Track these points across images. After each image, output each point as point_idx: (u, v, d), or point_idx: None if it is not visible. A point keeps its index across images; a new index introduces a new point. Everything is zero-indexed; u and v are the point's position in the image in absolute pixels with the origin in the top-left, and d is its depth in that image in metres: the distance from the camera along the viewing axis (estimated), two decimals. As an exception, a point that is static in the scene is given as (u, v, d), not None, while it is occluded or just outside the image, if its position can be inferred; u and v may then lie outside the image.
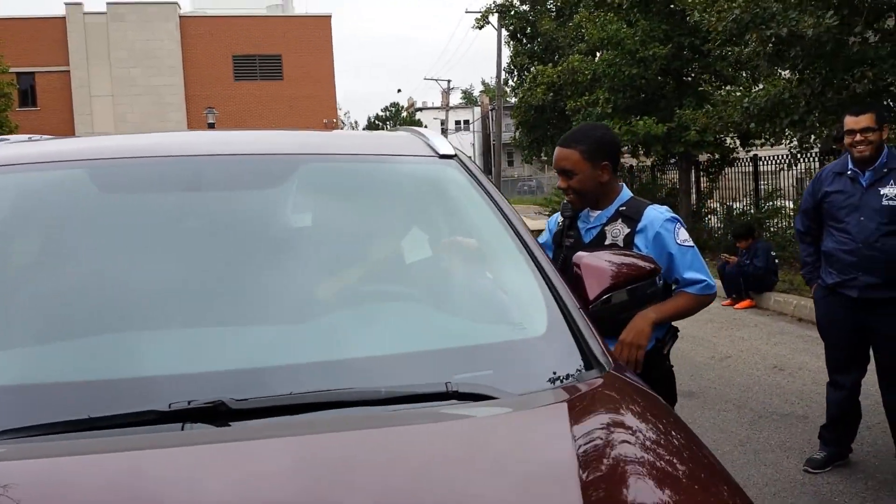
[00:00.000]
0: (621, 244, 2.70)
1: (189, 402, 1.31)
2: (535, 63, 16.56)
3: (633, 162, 16.37)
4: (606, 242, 2.73)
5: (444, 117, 54.73)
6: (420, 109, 62.44)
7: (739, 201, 13.69)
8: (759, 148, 12.68)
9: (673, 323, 2.78)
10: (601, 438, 1.31)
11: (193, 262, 1.76)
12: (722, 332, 8.03)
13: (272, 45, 39.70)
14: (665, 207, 2.78)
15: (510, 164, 54.88)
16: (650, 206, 2.76)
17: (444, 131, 53.12)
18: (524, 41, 17.63)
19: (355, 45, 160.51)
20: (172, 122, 37.79)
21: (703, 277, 2.69)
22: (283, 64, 40.05)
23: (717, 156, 13.42)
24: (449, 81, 52.53)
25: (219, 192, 1.95)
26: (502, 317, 1.81)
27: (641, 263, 2.04)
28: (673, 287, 2.77)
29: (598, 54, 13.12)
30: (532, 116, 16.15)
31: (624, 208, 2.76)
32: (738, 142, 12.67)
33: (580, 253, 2.09)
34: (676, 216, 2.76)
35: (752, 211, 12.88)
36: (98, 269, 1.72)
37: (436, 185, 2.13)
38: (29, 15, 38.24)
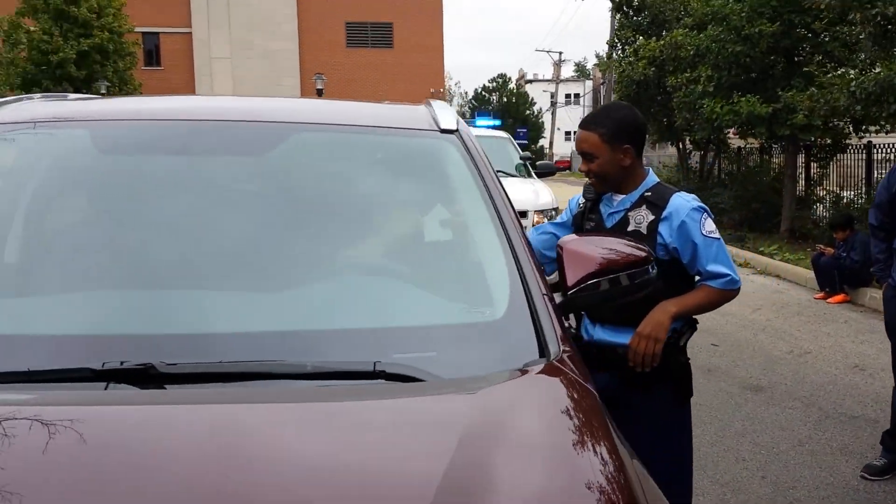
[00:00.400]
0: (644, 231, 2.58)
1: (122, 363, 1.34)
2: (640, 37, 16.01)
3: (741, 144, 15.69)
4: (629, 229, 2.61)
5: (553, 90, 53.92)
6: (530, 82, 61.76)
7: (850, 190, 12.92)
8: (874, 134, 11.89)
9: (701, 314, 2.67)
10: (493, 431, 1.25)
11: (159, 225, 1.80)
12: (807, 327, 7.66)
13: (385, 12, 40.02)
14: (692, 196, 2.65)
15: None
16: (676, 194, 2.63)
17: (554, 104, 52.31)
18: (630, 14, 17.07)
19: (468, 15, 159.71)
20: (287, 87, 38.76)
21: (726, 271, 2.57)
22: (394, 32, 40.32)
23: (828, 141, 12.69)
24: (560, 54, 51.79)
25: (200, 157, 1.97)
26: (462, 298, 1.77)
27: (630, 250, 1.94)
28: (696, 279, 2.65)
29: (704, 29, 12.54)
30: (633, 91, 15.66)
31: (649, 194, 2.64)
32: (850, 127, 11.92)
33: (565, 237, 2.01)
34: (703, 206, 2.63)
35: (861, 201, 12.14)
36: (62, 226, 1.79)
37: (427, 160, 2.10)
38: (156, -22, 39.80)
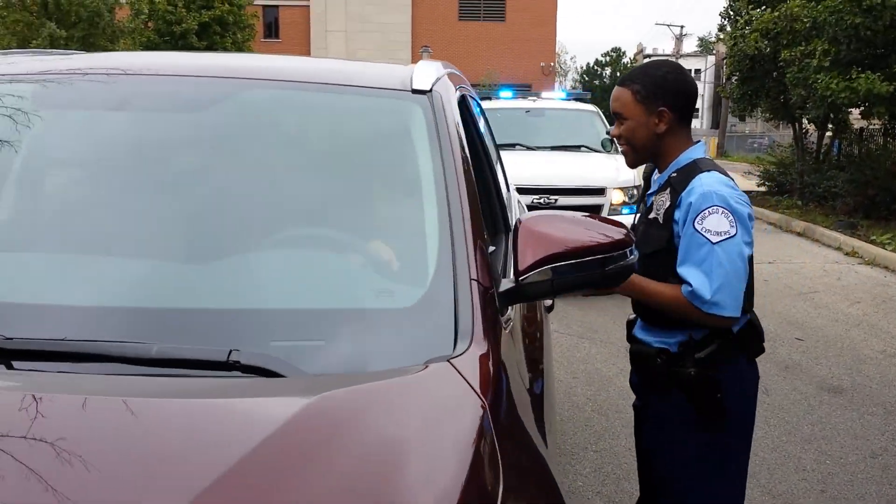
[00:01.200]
0: (661, 221, 2.22)
1: None
2: (753, 7, 15.01)
3: (864, 124, 14.57)
4: (650, 216, 2.28)
5: (672, 66, 51.65)
6: (648, 56, 59.79)
7: None
8: None
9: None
10: (286, 447, 1.04)
11: (69, 183, 1.72)
12: (911, 325, 6.98)
13: (498, -16, 39.61)
14: (718, 179, 2.15)
15: (741, 119, 51.14)
16: (703, 174, 2.17)
17: (671, 81, 50.16)
18: (746, -17, 16.07)
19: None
20: (399, 60, 38.98)
21: (694, 281, 2.10)
22: (507, 5, 39.87)
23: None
24: (682, 27, 49.64)
25: (133, 113, 1.86)
26: (376, 280, 1.60)
27: (603, 230, 1.67)
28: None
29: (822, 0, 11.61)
30: (746, 66, 14.75)
31: (675, 175, 2.23)
32: None
33: (526, 214, 1.77)
34: (724, 195, 2.11)
35: None
36: None
37: (383, 123, 1.93)
38: (276, -49, 40.71)
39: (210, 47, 28.95)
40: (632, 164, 2.40)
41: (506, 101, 9.98)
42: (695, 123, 61.57)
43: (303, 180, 1.79)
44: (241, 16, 30.05)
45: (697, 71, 59.73)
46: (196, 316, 1.41)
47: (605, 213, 7.60)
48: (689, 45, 61.03)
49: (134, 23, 25.22)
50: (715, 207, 2.09)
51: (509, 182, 3.98)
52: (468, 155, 1.85)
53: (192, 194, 1.71)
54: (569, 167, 8.15)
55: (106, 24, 23.78)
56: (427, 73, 1.99)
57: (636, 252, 1.73)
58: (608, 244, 1.63)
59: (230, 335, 1.36)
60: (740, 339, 2.24)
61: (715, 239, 2.08)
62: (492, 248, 1.73)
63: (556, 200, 7.58)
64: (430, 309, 1.45)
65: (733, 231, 2.08)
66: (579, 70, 54.43)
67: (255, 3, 32.10)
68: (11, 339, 1.26)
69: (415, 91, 1.89)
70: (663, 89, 2.23)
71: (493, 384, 1.36)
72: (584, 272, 1.60)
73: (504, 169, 3.69)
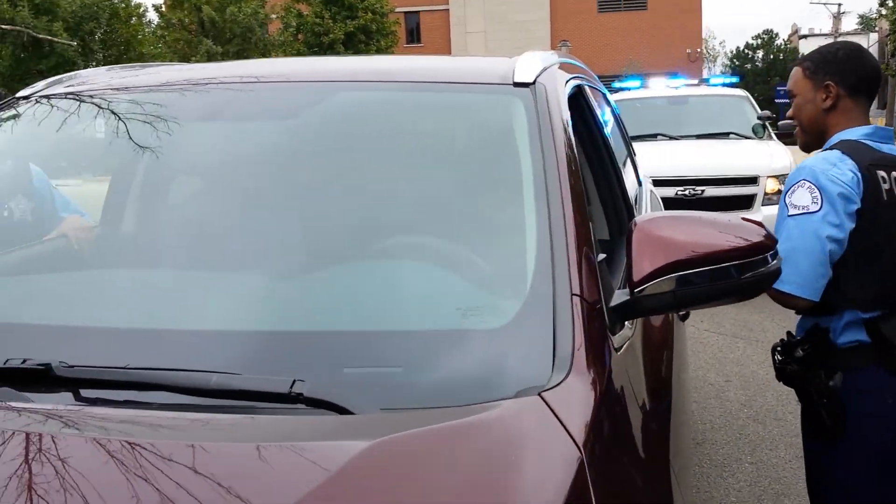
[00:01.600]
0: None
1: (24, 361, 1.21)
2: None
3: None
4: None
5: (830, 45, 48.47)
6: (804, 37, 56.33)
7: None
8: None
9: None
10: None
11: (175, 198, 1.74)
12: None
13: (639, -27, 38.65)
14: (826, 156, 2.03)
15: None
16: (815, 153, 2.08)
17: (830, 61, 47.21)
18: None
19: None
20: (537, 56, 38.78)
21: None
22: (649, -7, 38.84)
23: None
24: (839, 5, 46.46)
25: (229, 122, 1.83)
26: (466, 298, 1.42)
27: (735, 234, 1.45)
28: None
29: None
30: (913, 41, 13.66)
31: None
32: None
33: (642, 215, 1.57)
34: (815, 170, 1.98)
35: None
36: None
37: (481, 119, 1.81)
38: (415, -42, 41.53)
39: (356, 56, 29.96)
40: (803, 147, 2.27)
41: (644, 90, 9.66)
42: (858, 105, 56.98)
43: (390, 187, 1.71)
44: (384, 23, 30.92)
45: (859, 49, 55.64)
46: (266, 339, 1.33)
47: (758, 203, 7.19)
48: (849, 24, 57.11)
49: (283, 35, 26.52)
50: (802, 181, 2.00)
51: (645, 176, 3.83)
52: (576, 152, 1.67)
53: (276, 206, 1.66)
54: (716, 155, 7.69)
55: (258, 38, 25.13)
56: (531, 63, 1.84)
57: (780, 256, 1.53)
58: (744, 248, 1.43)
59: (302, 360, 1.28)
60: (876, 344, 2.00)
61: (791, 211, 2.00)
62: (602, 256, 1.54)
63: (702, 192, 7.21)
64: (523, 331, 1.28)
65: (815, 207, 1.96)
66: (729, 55, 52.13)
67: (396, 10, 32.91)
68: (66, 365, 1.19)
69: (517, 84, 1.75)
70: (832, 64, 2.10)
71: (594, 425, 1.16)
72: (714, 282, 1.40)
73: (636, 164, 3.50)
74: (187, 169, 1.84)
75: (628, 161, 3.27)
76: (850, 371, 2.02)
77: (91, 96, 1.91)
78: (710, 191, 7.19)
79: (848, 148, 2.02)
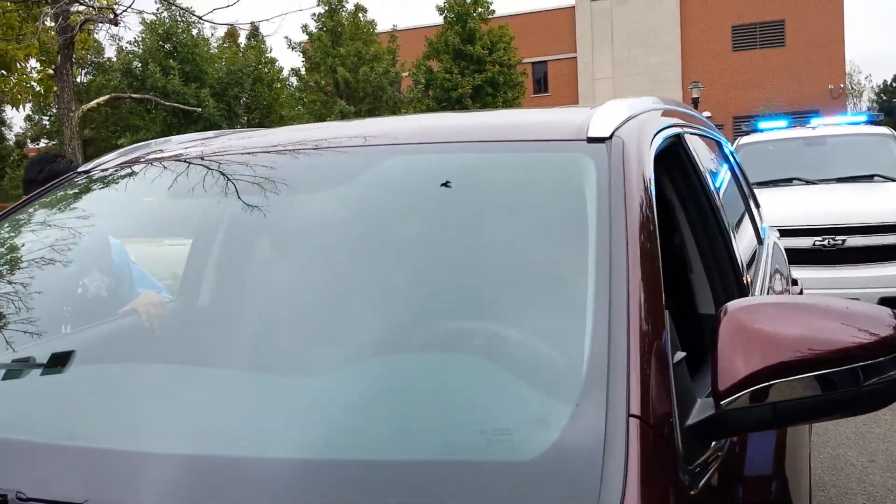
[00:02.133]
0: None
1: None
2: None
3: None
4: None
5: None
6: (962, 65, 52.33)
7: None
8: None
9: None
10: None
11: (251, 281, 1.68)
12: None
13: (775, 10, 37.36)
14: None
15: None
16: None
17: None
18: None
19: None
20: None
21: None
22: (786, 29, 37.39)
23: None
24: None
25: (271, 195, 1.67)
26: (491, 417, 1.14)
27: (856, 325, 1.16)
28: None
29: None
30: None
31: None
32: None
33: (736, 300, 1.26)
34: None
35: None
36: None
37: (543, 184, 1.60)
38: (540, 8, 41.88)
39: (483, 108, 30.40)
40: None
41: (778, 130, 9.14)
42: None
43: (416, 273, 1.52)
44: (511, 75, 31.25)
45: None
46: (281, 467, 1.08)
47: (908, 254, 6.59)
48: None
49: (413, 92, 27.31)
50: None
51: (771, 231, 3.56)
52: (654, 217, 1.41)
53: (286, 296, 1.51)
54: (858, 200, 7.10)
55: (388, 96, 25.99)
56: (611, 114, 1.62)
57: None
58: (871, 345, 1.13)
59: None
60: None
61: None
62: (681, 355, 1.26)
63: (843, 242, 6.66)
64: (560, 465, 1.01)
65: None
66: (876, 89, 49.26)
67: (524, 61, 33.22)
68: (23, 497, 1.02)
69: (590, 140, 1.52)
70: None
71: None
72: (829, 391, 1.12)
73: (756, 218, 3.22)
74: (258, 248, 1.80)
75: (746, 217, 3.02)
76: None
77: (162, 163, 1.90)
78: (852, 240, 6.63)
79: None
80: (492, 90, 30.72)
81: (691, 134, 2.21)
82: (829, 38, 36.61)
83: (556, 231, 1.50)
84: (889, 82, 43.23)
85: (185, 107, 19.48)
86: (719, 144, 3.02)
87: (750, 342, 1.13)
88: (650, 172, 1.53)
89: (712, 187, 2.17)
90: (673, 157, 1.97)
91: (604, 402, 1.05)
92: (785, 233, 5.33)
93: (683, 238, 2.12)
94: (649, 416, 1.05)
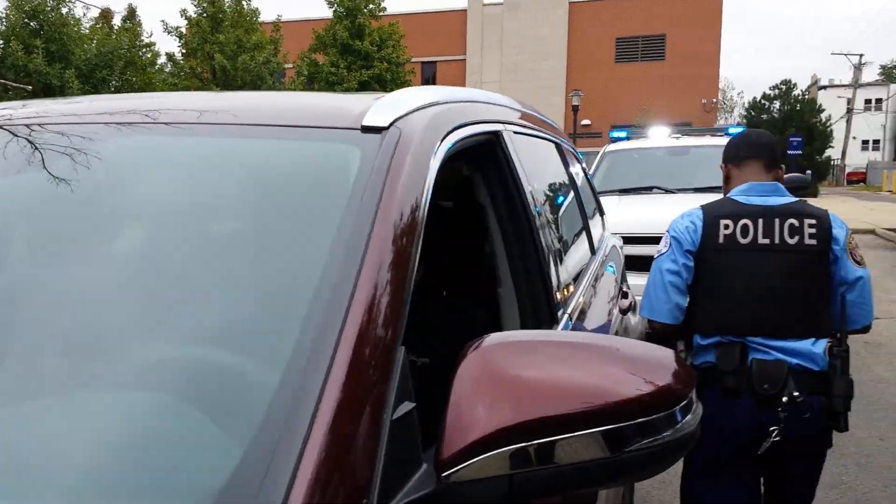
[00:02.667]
0: None
1: None
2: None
3: None
4: None
5: (850, 95, 48.25)
6: (823, 88, 55.91)
7: None
8: None
9: None
10: None
11: None
12: None
13: (657, 25, 38.84)
14: (687, 211, 2.48)
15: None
16: None
17: (850, 111, 46.88)
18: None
19: (757, 23, 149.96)
20: (553, 105, 38.93)
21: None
22: (667, 44, 38.95)
23: None
24: (861, 56, 46.08)
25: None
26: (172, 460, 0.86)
27: (629, 370, 0.95)
28: None
29: None
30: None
31: None
32: None
33: (485, 337, 1.02)
34: (673, 223, 2.48)
35: None
36: None
37: (303, 178, 1.32)
38: (432, 9, 41.93)
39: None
40: None
41: (642, 139, 9.19)
42: (875, 156, 57.07)
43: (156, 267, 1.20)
44: (399, 73, 31.00)
45: (879, 101, 55.37)
46: None
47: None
48: (870, 74, 56.82)
49: (295, 84, 26.63)
50: (665, 232, 2.48)
51: (605, 239, 3.41)
52: (420, 223, 1.16)
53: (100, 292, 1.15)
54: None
55: (269, 87, 25.25)
56: (399, 102, 1.38)
57: (700, 411, 1.00)
58: (644, 398, 0.91)
59: None
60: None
61: (656, 255, 2.48)
62: (408, 407, 0.98)
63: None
64: None
65: (664, 249, 2.45)
66: (744, 105, 51.92)
67: (413, 60, 33.05)
68: None
69: (365, 129, 1.28)
70: (724, 150, 2.61)
71: None
72: (582, 459, 0.89)
73: (589, 227, 3.02)
74: None
75: (580, 226, 2.84)
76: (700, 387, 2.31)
77: None
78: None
79: (712, 204, 2.45)
80: (378, 87, 30.36)
81: (521, 135, 2.03)
82: (705, 54, 38.28)
83: (291, 236, 1.20)
84: (758, 99, 45.48)
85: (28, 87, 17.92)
86: (560, 149, 2.85)
87: (485, 393, 0.90)
88: (432, 171, 1.28)
89: (529, 193, 1.90)
90: (487, 158, 1.76)
91: (256, 488, 0.76)
92: (632, 240, 5.28)
93: (494, 247, 1.90)
94: (319, 497, 0.77)
